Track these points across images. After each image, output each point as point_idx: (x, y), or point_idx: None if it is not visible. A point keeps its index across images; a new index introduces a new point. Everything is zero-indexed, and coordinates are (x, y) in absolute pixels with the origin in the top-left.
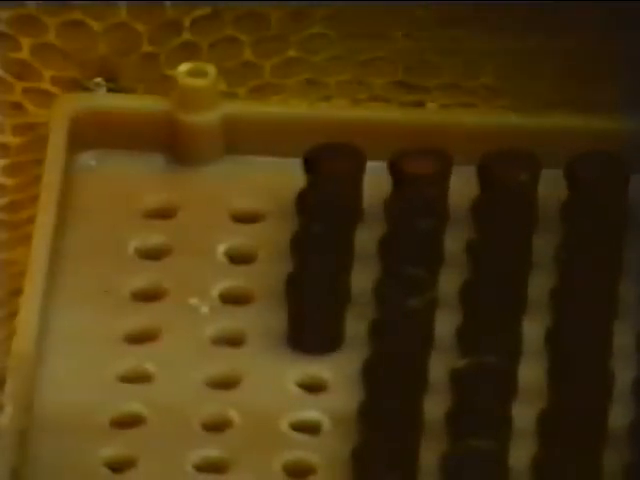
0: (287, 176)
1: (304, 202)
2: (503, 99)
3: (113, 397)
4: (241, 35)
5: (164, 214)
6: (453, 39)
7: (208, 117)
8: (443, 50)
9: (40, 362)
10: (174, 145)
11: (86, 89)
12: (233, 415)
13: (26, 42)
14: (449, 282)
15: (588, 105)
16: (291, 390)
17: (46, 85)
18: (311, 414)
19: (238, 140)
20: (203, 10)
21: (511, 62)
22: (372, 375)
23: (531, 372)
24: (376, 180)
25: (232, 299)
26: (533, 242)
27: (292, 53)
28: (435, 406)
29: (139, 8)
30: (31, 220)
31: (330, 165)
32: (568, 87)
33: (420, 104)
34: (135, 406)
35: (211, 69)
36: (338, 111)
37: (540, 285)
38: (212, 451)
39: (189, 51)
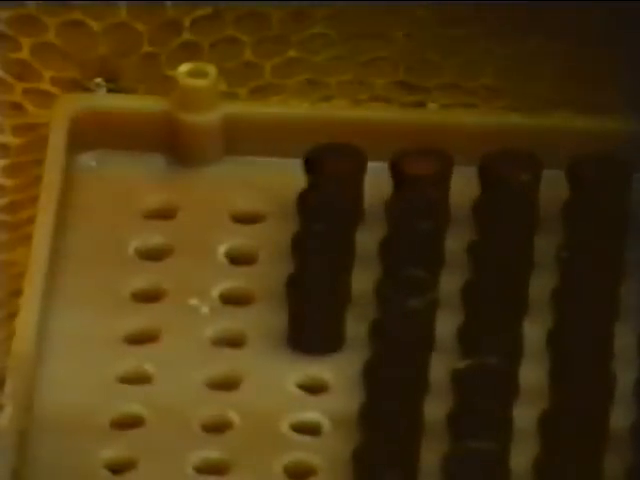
0: (288, 177)
1: (305, 203)
2: (504, 99)
3: (113, 398)
4: (242, 35)
5: (164, 214)
6: (454, 39)
7: (208, 117)
8: (444, 50)
9: (40, 363)
10: (174, 145)
11: (86, 89)
12: (233, 416)
13: (26, 42)
14: (450, 283)
15: (589, 105)
16: (291, 391)
17: (46, 85)
18: (312, 415)
19: (239, 140)
20: (204, 10)
21: (512, 62)
22: (373, 376)
23: (532, 373)
24: (377, 180)
25: (232, 300)
26: (534, 243)
27: (293, 53)
28: (436, 407)
29: (139, 8)
30: (31, 221)
31: (331, 166)
32: (569, 87)
33: (421, 104)
34: (135, 407)
35: (211, 69)
36: (339, 111)
37: (541, 286)
38: (212, 452)
39: (189, 51)
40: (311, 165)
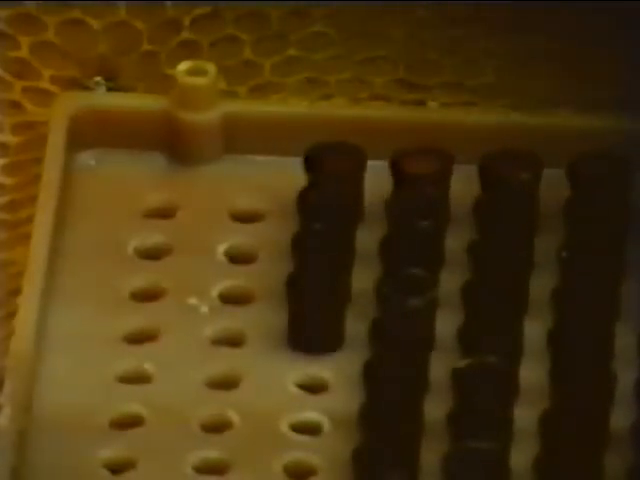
0: (287, 175)
1: (305, 201)
2: (504, 98)
3: (112, 397)
4: (241, 34)
5: (164, 213)
6: (454, 38)
7: (208, 116)
8: (444, 49)
9: (39, 362)
10: (174, 144)
11: (86, 88)
12: (233, 416)
13: (25, 41)
14: (450, 282)
15: (589, 104)
16: (291, 390)
17: (45, 84)
18: (311, 415)
19: (238, 139)
20: (203, 9)
21: (512, 61)
22: (373, 376)
23: (532, 373)
24: (377, 179)
25: (232, 299)
26: (534, 242)
27: (292, 52)
28: (436, 407)
29: (139, 7)
30: (30, 219)
31: (331, 164)
32: (569, 86)
33: (421, 103)
34: (134, 407)
35: (211, 68)
36: (338, 110)
37: (542, 285)
38: (212, 452)
39: (189, 50)
40: (311, 164)
